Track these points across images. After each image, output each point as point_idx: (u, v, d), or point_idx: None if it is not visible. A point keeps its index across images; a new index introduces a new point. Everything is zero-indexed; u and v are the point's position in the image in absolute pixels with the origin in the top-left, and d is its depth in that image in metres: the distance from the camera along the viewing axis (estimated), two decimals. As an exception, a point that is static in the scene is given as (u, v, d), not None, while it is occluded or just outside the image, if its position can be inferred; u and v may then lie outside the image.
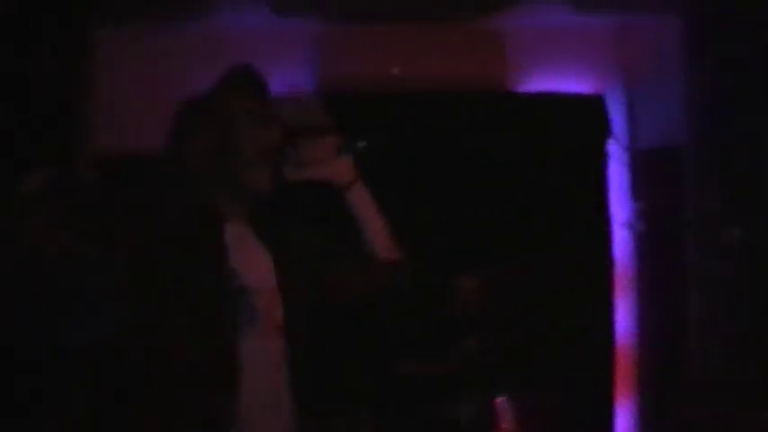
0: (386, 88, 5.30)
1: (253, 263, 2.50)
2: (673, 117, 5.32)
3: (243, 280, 2.44)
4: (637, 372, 5.55)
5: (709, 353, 5.21)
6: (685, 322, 5.37)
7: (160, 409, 2.36)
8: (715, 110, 5.10)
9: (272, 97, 2.60)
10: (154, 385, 2.37)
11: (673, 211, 5.37)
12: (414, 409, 4.73)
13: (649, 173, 5.52)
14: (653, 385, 5.45)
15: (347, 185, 2.59)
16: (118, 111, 5.05)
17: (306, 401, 2.50)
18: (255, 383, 2.42)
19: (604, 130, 5.52)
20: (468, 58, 5.44)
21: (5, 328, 4.02)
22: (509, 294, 5.23)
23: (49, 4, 4.75)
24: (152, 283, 2.38)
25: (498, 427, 4.64)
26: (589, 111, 5.54)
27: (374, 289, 2.68)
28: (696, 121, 5.26)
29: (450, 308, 4.94)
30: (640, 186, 5.54)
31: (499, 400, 4.67)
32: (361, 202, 2.62)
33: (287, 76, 4.97)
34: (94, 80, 5.06)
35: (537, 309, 5.25)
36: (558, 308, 5.19)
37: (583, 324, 5.38)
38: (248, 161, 2.50)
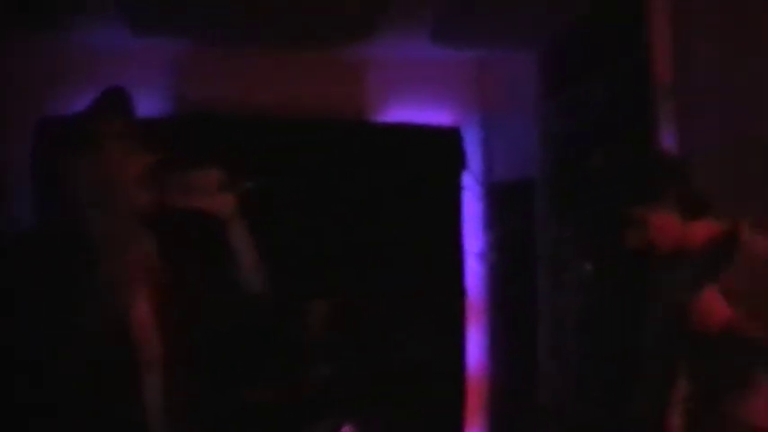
0: (244, 113, 5.29)
1: None
2: (527, 150, 5.47)
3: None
4: (487, 400, 5.65)
5: (558, 381, 5.34)
6: (535, 352, 5.50)
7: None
8: (568, 145, 5.25)
9: (142, 119, 2.61)
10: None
11: (525, 243, 5.50)
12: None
13: (503, 205, 5.65)
14: (503, 413, 5.56)
15: (227, 219, 2.62)
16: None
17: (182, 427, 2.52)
18: None
19: (460, 161, 5.63)
20: (327, 86, 5.48)
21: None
22: (361, 321, 5.25)
23: None
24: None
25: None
26: (445, 142, 5.65)
27: (242, 318, 2.74)
28: (549, 155, 5.41)
29: (302, 333, 4.92)
30: (494, 218, 5.66)
31: (347, 427, 4.67)
32: (238, 236, 2.67)
33: (144, 97, 4.91)
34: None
35: (389, 336, 5.28)
36: (410, 336, 5.24)
37: (435, 352, 5.44)
38: (126, 185, 2.50)
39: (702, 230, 2.92)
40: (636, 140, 4.81)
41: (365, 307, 5.34)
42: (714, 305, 2.67)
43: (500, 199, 5.67)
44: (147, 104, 4.83)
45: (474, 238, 5.69)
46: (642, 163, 3.19)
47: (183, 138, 2.68)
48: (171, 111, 5.26)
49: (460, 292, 5.64)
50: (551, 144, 5.36)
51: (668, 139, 4.75)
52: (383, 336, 5.23)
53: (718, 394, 2.78)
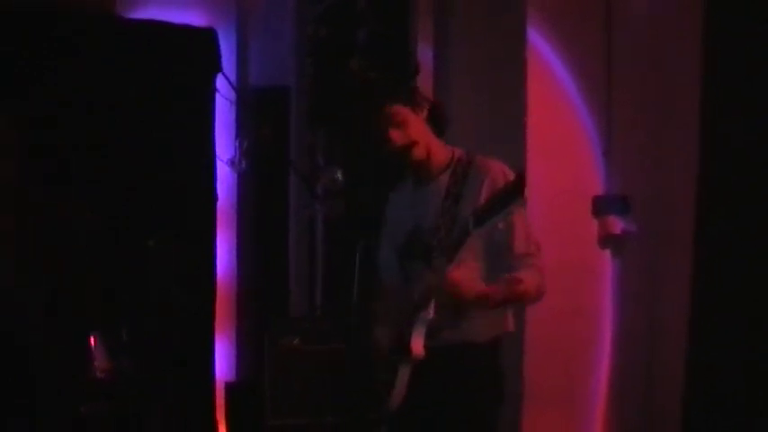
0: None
1: None
2: (284, 56, 5.39)
3: None
4: (237, 307, 5.64)
5: (308, 290, 5.41)
6: (286, 259, 5.52)
7: None
8: (325, 52, 5.23)
9: None
10: None
11: (278, 150, 5.47)
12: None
13: (257, 110, 5.56)
14: (252, 320, 5.58)
15: None
16: None
17: None
18: None
19: (214, 64, 5.46)
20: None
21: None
22: (107, 226, 5.05)
23: None
24: None
25: (91, 363, 4.51)
26: (199, 43, 5.45)
27: None
28: (306, 62, 5.37)
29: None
30: (247, 124, 5.57)
31: (93, 335, 4.53)
32: None
33: None
34: None
35: (138, 241, 5.10)
36: (158, 242, 5.08)
37: (184, 257, 5.33)
38: None
39: (442, 150, 3.05)
40: (394, 51, 4.86)
41: (110, 211, 5.15)
42: (462, 286, 2.81)
43: (254, 104, 5.57)
44: None
45: (226, 144, 5.57)
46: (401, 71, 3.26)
47: None
48: None
49: (210, 197, 5.54)
50: (309, 51, 5.31)
51: (425, 53, 4.83)
52: (130, 241, 5.04)
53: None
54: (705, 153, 4.21)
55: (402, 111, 2.99)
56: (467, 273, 2.85)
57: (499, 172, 2.94)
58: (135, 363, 4.58)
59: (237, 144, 5.56)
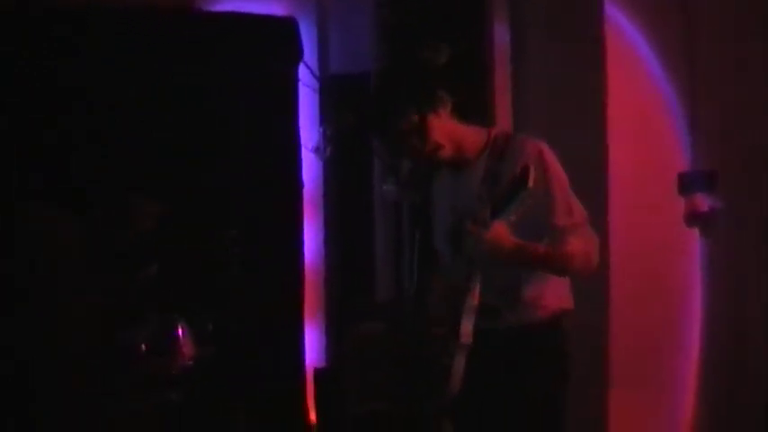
0: (61, 3, 4.99)
1: None
2: (363, 43, 5.38)
3: None
4: (325, 294, 5.67)
5: (394, 275, 5.39)
6: (372, 246, 5.52)
7: None
8: (403, 37, 5.20)
9: None
10: None
11: (361, 137, 5.46)
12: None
13: (339, 98, 5.57)
14: (341, 307, 5.60)
15: None
16: None
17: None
18: None
19: (295, 53, 5.49)
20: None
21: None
22: (194, 217, 5.12)
23: None
24: None
25: (178, 351, 4.58)
26: (280, 33, 5.49)
27: None
28: (385, 48, 5.34)
29: (128, 232, 4.76)
30: (329, 111, 5.58)
31: (179, 324, 4.60)
32: None
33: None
34: None
35: (226, 231, 5.17)
36: (246, 231, 5.13)
37: (272, 246, 5.40)
38: None
39: (476, 136, 3.01)
40: (470, 34, 4.80)
41: (199, 203, 5.22)
42: (498, 238, 2.78)
43: (336, 92, 5.58)
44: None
45: (310, 132, 5.60)
46: (412, 68, 3.25)
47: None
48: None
49: (296, 186, 5.58)
50: (381, 37, 5.28)
51: (501, 35, 4.75)
52: (218, 231, 5.11)
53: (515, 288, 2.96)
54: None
55: (420, 119, 2.95)
56: (501, 229, 2.80)
57: (533, 151, 2.90)
58: (219, 351, 4.63)
59: (321, 131, 5.58)
